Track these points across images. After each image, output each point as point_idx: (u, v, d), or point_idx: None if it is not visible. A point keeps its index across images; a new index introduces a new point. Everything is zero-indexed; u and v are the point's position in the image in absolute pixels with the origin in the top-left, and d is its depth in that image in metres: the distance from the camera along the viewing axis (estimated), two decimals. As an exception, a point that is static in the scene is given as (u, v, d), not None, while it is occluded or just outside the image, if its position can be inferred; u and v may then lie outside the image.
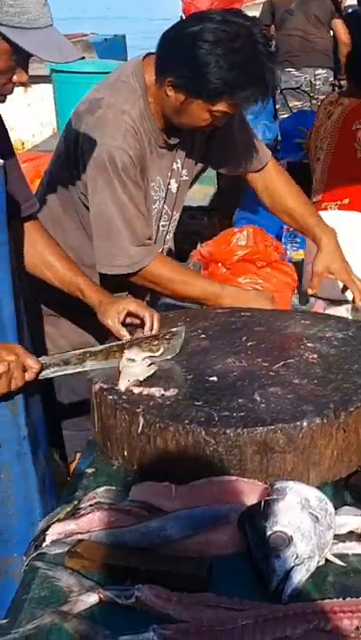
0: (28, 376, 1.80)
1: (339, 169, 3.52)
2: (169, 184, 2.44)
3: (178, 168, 2.46)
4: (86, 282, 2.13)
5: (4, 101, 1.76)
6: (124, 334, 2.01)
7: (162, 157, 2.38)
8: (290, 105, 6.89)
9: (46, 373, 1.85)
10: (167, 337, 1.96)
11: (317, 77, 6.88)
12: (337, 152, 3.54)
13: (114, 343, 1.96)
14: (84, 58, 1.87)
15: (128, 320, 2.06)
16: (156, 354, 1.92)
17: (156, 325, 2.03)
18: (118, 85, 2.29)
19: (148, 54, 2.31)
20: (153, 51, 2.28)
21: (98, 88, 2.35)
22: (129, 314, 2.04)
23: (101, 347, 1.94)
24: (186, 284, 2.37)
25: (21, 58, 1.67)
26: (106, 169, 2.22)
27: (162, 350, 1.94)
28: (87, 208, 2.33)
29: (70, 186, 2.36)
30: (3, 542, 1.92)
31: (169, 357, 1.94)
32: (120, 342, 1.96)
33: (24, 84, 1.74)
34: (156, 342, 1.95)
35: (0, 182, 1.80)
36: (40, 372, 1.82)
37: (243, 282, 2.52)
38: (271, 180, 2.62)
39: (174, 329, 1.99)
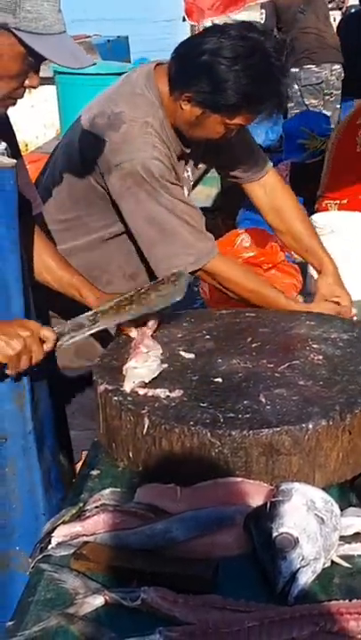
0: (47, 347, 1.82)
1: (340, 163, 3.54)
2: (185, 191, 2.44)
3: (188, 176, 2.48)
4: (83, 282, 2.14)
5: (14, 104, 1.77)
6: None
7: (179, 167, 2.38)
8: (306, 103, 6.89)
9: (63, 341, 1.86)
10: (172, 279, 1.98)
11: (333, 72, 6.91)
12: (340, 146, 3.55)
13: (122, 297, 1.97)
14: (95, 64, 1.84)
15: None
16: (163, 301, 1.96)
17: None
18: (136, 99, 2.28)
19: (158, 64, 2.32)
20: (161, 60, 2.30)
21: (113, 100, 2.29)
22: None
23: (111, 303, 1.95)
24: (258, 293, 2.34)
25: (35, 62, 1.68)
26: (144, 180, 2.20)
27: (170, 292, 1.96)
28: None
29: (90, 195, 2.34)
30: (6, 536, 1.93)
31: (178, 299, 1.96)
32: (128, 294, 1.97)
33: (33, 88, 1.75)
34: (162, 286, 1.97)
35: (13, 182, 1.81)
36: (57, 340, 1.84)
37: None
38: (275, 196, 2.59)
39: (176, 270, 2.03)
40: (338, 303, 2.43)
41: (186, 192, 2.44)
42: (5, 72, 1.66)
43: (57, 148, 2.46)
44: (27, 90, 1.74)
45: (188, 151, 2.40)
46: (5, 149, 1.87)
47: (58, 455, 2.13)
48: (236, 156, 2.54)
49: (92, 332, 1.92)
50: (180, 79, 2.20)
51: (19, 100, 1.78)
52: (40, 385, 2.01)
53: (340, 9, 10.12)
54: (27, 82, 1.71)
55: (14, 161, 1.84)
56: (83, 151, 2.30)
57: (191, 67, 2.16)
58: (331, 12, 7.74)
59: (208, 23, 11.10)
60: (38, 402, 1.97)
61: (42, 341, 1.81)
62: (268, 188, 2.59)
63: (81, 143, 2.31)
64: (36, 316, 2.00)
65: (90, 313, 1.93)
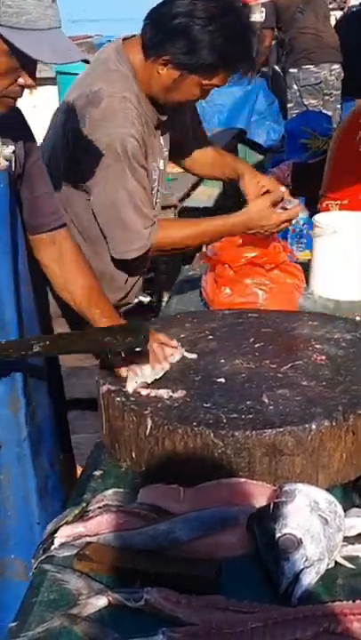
0: None
1: (341, 163, 3.53)
2: (159, 163, 2.50)
3: (162, 145, 2.52)
4: (101, 316, 2.02)
5: (14, 105, 1.76)
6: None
7: (155, 138, 2.44)
8: (305, 103, 6.89)
9: (3, 356, 1.80)
10: (130, 329, 1.85)
11: (332, 72, 6.90)
12: (341, 146, 3.55)
13: (75, 332, 1.98)
14: (88, 62, 1.83)
15: None
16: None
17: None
18: (111, 75, 2.32)
19: (125, 38, 2.37)
20: (128, 35, 2.36)
21: (89, 80, 2.33)
22: None
23: (63, 335, 1.97)
24: (195, 238, 2.49)
25: (27, 61, 1.65)
26: (119, 157, 2.24)
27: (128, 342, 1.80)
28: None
29: (68, 181, 2.35)
30: (1, 543, 1.91)
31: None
32: (79, 332, 1.97)
33: (31, 87, 1.72)
34: (123, 334, 1.81)
35: (3, 185, 1.80)
36: None
37: (250, 283, 2.51)
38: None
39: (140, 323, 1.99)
40: (267, 192, 2.57)
41: (161, 162, 2.51)
42: None
43: (44, 140, 2.46)
44: (26, 90, 1.71)
45: (164, 119, 2.44)
46: (13, 152, 1.85)
47: (57, 462, 2.09)
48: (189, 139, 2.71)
49: (34, 355, 1.86)
50: (155, 44, 2.23)
51: (21, 101, 1.76)
52: (39, 390, 1.99)
53: (341, 9, 10.11)
54: (21, 80, 1.69)
55: (7, 163, 1.82)
56: (66, 135, 2.32)
57: (166, 30, 2.19)
58: (332, 12, 7.74)
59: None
60: (36, 408, 1.95)
61: None
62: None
63: (64, 128, 2.33)
64: (36, 316, 1.99)
65: (39, 338, 1.88)
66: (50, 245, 2.03)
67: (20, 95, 1.74)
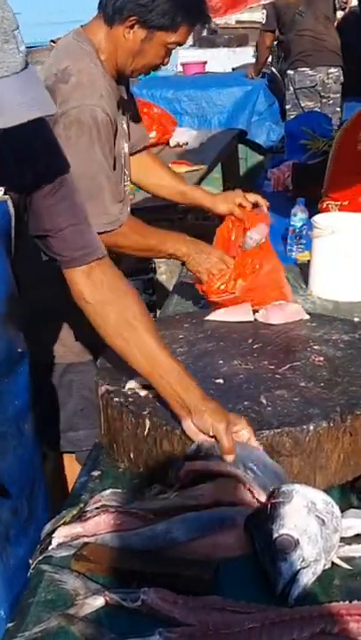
0: None
1: (342, 163, 3.53)
2: (124, 146, 2.53)
3: (125, 128, 2.55)
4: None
5: None
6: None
7: (120, 120, 2.46)
8: (302, 105, 6.89)
9: None
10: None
11: (330, 76, 6.90)
12: (342, 147, 3.55)
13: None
14: (53, 114, 1.56)
15: None
16: None
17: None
18: (76, 52, 2.36)
19: (81, 25, 2.45)
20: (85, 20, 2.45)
21: (55, 62, 2.37)
22: None
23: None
24: (147, 236, 2.47)
25: None
26: (90, 128, 2.27)
27: None
28: None
29: None
30: None
31: None
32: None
33: None
34: None
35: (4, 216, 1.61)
36: None
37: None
38: (146, 160, 2.81)
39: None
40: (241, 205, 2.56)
41: (126, 146, 2.54)
42: None
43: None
44: None
45: (125, 98, 2.49)
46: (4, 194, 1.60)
47: (23, 505, 1.79)
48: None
49: None
50: (120, 7, 2.31)
51: None
52: (3, 437, 1.72)
53: (342, 9, 10.12)
54: None
55: (6, 197, 1.60)
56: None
57: None
58: (335, 13, 7.72)
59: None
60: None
61: None
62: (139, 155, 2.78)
63: None
64: (29, 317, 1.87)
65: None
66: (87, 279, 1.77)
67: None
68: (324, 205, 3.46)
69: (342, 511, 1.48)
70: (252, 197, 2.59)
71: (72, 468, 2.60)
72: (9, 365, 1.72)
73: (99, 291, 1.76)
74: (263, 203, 2.58)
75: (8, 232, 1.64)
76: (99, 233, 2.03)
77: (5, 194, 1.60)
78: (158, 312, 3.68)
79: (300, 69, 6.90)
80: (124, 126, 2.53)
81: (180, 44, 2.43)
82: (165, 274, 4.51)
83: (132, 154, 2.67)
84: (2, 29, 1.31)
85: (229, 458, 1.57)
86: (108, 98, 2.33)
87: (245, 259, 2.38)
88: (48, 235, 1.73)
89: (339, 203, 3.41)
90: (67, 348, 2.56)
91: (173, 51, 2.46)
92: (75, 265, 1.76)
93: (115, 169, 2.41)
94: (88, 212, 1.95)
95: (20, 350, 1.77)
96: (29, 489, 1.82)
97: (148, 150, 2.86)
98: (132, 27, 2.32)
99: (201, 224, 6.92)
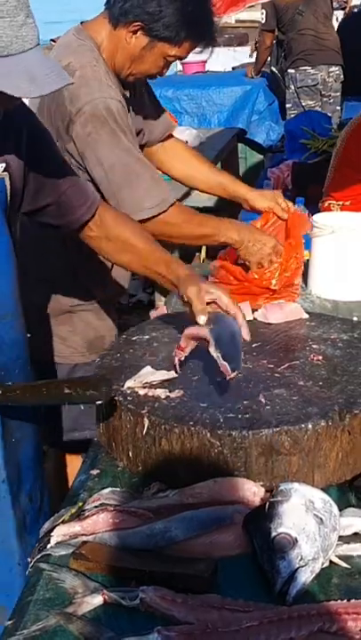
0: None
1: (347, 163, 3.51)
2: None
3: (130, 125, 2.53)
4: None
5: None
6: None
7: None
8: (303, 104, 6.90)
9: None
10: (92, 382, 1.75)
11: (330, 74, 6.90)
12: (347, 147, 3.52)
13: (33, 384, 1.79)
14: (72, 83, 1.75)
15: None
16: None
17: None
18: (78, 49, 2.36)
19: (82, 22, 2.46)
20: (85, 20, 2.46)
21: (56, 58, 2.32)
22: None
23: (19, 385, 1.77)
24: (200, 224, 2.43)
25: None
26: (106, 120, 2.26)
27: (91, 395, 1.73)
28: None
29: None
30: None
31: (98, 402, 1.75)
32: (37, 383, 1.78)
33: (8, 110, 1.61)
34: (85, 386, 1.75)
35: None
36: None
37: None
38: (177, 149, 2.80)
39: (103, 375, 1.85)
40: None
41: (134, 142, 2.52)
42: None
43: None
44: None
45: (127, 95, 2.48)
46: (5, 170, 1.74)
47: (37, 493, 1.95)
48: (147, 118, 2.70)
49: None
50: (126, 10, 2.30)
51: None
52: (21, 426, 1.86)
53: (342, 9, 10.14)
54: None
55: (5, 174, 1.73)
56: (46, 120, 2.29)
57: (149, 3, 2.28)
58: (334, 12, 7.74)
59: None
60: (17, 444, 1.84)
61: None
62: (168, 143, 2.78)
63: (41, 113, 2.30)
64: (36, 317, 1.94)
65: None
66: (94, 229, 2.00)
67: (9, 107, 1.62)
68: (326, 204, 3.45)
69: (340, 510, 1.48)
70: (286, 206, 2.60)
71: (74, 466, 2.60)
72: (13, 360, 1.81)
73: (112, 233, 1.99)
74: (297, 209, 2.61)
75: (5, 207, 1.74)
76: (147, 219, 2.23)
77: (5, 171, 1.72)
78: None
79: (301, 68, 6.91)
80: (129, 120, 2.51)
81: (180, 59, 2.46)
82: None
83: (159, 141, 2.70)
84: (24, 4, 1.45)
85: (201, 319, 1.78)
86: (115, 90, 2.33)
87: (291, 252, 2.38)
88: (52, 203, 1.86)
89: (341, 202, 3.41)
90: (73, 348, 2.57)
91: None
92: (86, 219, 1.94)
93: None
94: (132, 200, 2.22)
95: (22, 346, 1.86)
96: (40, 479, 1.95)
97: (177, 139, 2.84)
98: (135, 32, 2.31)
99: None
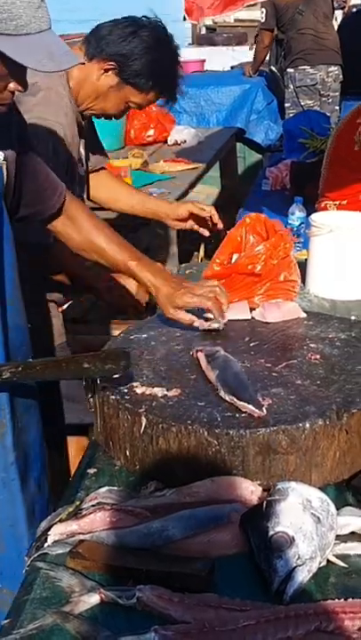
0: None
1: (339, 162, 3.52)
2: (80, 170, 2.61)
3: (82, 152, 2.62)
4: (137, 266, 2.06)
5: (5, 110, 1.72)
6: (190, 319, 2.04)
7: (78, 142, 2.54)
8: (302, 103, 6.90)
9: None
10: (112, 356, 1.78)
11: (330, 74, 6.90)
12: (338, 146, 3.53)
13: (53, 359, 1.85)
14: (84, 63, 1.83)
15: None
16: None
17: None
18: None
19: None
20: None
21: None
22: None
23: (39, 362, 1.80)
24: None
25: (16, 68, 1.58)
26: (46, 143, 2.33)
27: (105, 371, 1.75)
28: None
29: None
30: None
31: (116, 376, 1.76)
32: (57, 359, 1.84)
33: (20, 92, 1.67)
34: (103, 360, 1.76)
35: None
36: None
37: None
38: (103, 179, 2.93)
39: (123, 349, 1.86)
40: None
41: (81, 169, 2.62)
42: None
43: None
44: (15, 93, 1.67)
45: (83, 124, 2.57)
46: (5, 159, 1.80)
47: (44, 484, 2.03)
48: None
49: (5, 380, 1.77)
50: (103, 48, 2.44)
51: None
52: (28, 412, 1.93)
53: (341, 8, 10.13)
54: (11, 86, 1.64)
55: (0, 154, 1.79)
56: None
57: (120, 38, 2.43)
58: (333, 12, 7.73)
59: (208, 22, 11.13)
60: (23, 430, 1.89)
61: None
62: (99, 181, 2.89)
63: None
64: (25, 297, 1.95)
65: (12, 364, 1.78)
66: (60, 216, 2.05)
67: (10, 100, 1.70)
68: (323, 205, 3.45)
69: (338, 509, 1.48)
70: (209, 209, 2.71)
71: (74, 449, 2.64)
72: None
73: (61, 218, 2.04)
74: (216, 220, 2.75)
75: (2, 194, 1.80)
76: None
77: (5, 160, 1.80)
78: (157, 310, 3.68)
79: (300, 68, 6.91)
80: (82, 150, 2.60)
81: (139, 107, 2.58)
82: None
83: (91, 171, 2.79)
84: None
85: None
86: (71, 119, 2.42)
87: (279, 241, 2.37)
88: (29, 192, 1.93)
89: (337, 202, 3.41)
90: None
91: None
92: (57, 208, 2.00)
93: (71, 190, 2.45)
94: None
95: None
96: (45, 471, 2.00)
97: (105, 170, 2.95)
98: (107, 70, 2.44)
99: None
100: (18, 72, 1.61)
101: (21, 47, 1.53)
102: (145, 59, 2.42)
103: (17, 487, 1.87)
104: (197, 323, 2.04)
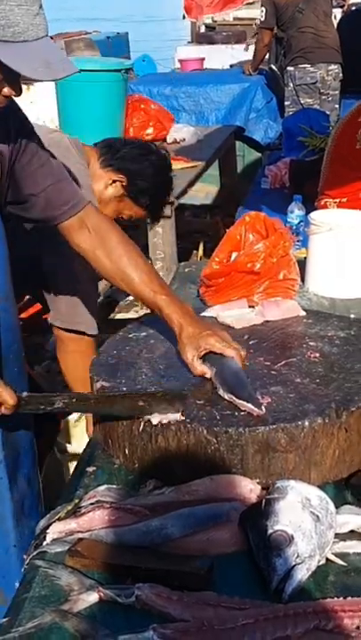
0: (2, 410, 1.66)
1: (340, 160, 3.52)
2: None
3: None
4: (166, 301, 1.91)
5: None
6: (203, 371, 1.83)
7: None
8: (301, 102, 6.89)
9: (25, 409, 1.70)
10: (168, 398, 1.70)
11: (329, 73, 6.89)
12: (339, 143, 3.53)
13: (108, 394, 1.78)
14: (80, 71, 1.77)
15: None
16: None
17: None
18: (71, 152, 2.62)
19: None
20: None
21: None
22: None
23: (95, 395, 1.80)
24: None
25: (10, 73, 1.57)
26: None
27: (160, 410, 1.69)
28: None
29: None
30: None
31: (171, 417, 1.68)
32: (113, 394, 1.77)
33: (15, 97, 1.66)
34: (160, 402, 1.70)
35: None
36: (18, 407, 1.66)
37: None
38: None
39: (180, 391, 1.76)
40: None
41: None
42: None
43: None
44: (23, 86, 1.67)
45: None
46: None
47: (35, 478, 2.01)
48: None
49: (55, 411, 1.73)
50: (116, 161, 2.70)
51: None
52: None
53: (341, 7, 10.13)
54: (5, 90, 1.62)
55: None
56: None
57: (132, 160, 2.71)
58: (332, 10, 7.72)
59: (207, 20, 11.12)
60: (13, 428, 1.86)
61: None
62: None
63: None
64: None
65: (65, 395, 1.74)
66: (79, 229, 1.97)
67: (5, 104, 1.68)
68: (322, 203, 3.45)
69: (337, 507, 1.48)
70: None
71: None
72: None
73: (90, 237, 1.97)
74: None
75: None
76: None
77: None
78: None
79: (300, 66, 6.90)
80: None
81: (130, 218, 2.78)
82: (162, 270, 4.51)
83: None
84: None
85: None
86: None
87: (278, 239, 2.37)
88: (32, 196, 1.91)
89: (337, 200, 3.41)
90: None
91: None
92: (66, 218, 1.96)
93: None
94: None
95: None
96: (36, 464, 2.00)
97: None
98: (115, 181, 2.68)
99: (201, 220, 6.92)
100: (12, 77, 1.60)
101: (18, 54, 1.52)
102: (151, 180, 2.70)
103: (5, 485, 1.86)
104: (209, 374, 1.81)
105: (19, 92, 1.65)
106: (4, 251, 1.82)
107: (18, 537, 1.86)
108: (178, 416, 1.64)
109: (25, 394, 1.70)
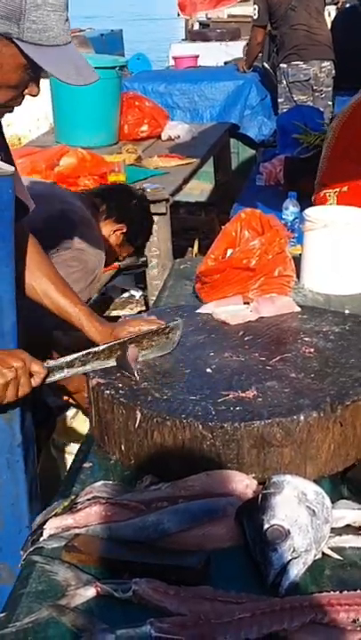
0: (35, 382, 1.73)
1: (342, 148, 3.48)
2: None
3: None
4: (85, 312, 2.00)
5: (11, 111, 1.72)
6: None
7: None
8: (295, 99, 6.89)
9: (51, 378, 1.79)
10: (166, 332, 1.94)
11: (323, 70, 6.90)
12: (343, 131, 3.48)
13: (115, 342, 1.89)
14: (99, 78, 1.75)
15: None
16: (154, 350, 1.93)
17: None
18: (85, 213, 3.02)
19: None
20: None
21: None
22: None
23: (103, 346, 1.87)
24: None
25: (35, 73, 1.62)
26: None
27: (161, 345, 1.93)
28: None
29: None
30: None
31: (169, 351, 1.94)
32: (121, 340, 1.89)
33: (33, 96, 1.69)
34: (155, 338, 1.93)
35: (11, 190, 1.76)
36: (46, 377, 1.76)
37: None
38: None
39: (172, 323, 1.97)
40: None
41: None
42: (4, 82, 1.59)
43: None
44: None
45: None
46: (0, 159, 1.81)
47: (37, 466, 2.10)
48: None
49: (81, 372, 1.84)
50: (119, 215, 3.12)
51: None
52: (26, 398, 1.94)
53: (335, 4, 10.13)
54: (26, 90, 1.66)
55: (12, 168, 1.78)
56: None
57: (126, 207, 3.15)
58: (326, 8, 7.73)
59: (201, 17, 11.11)
60: (25, 413, 1.93)
61: (30, 375, 1.72)
62: None
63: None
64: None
65: (81, 354, 1.83)
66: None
67: (21, 104, 1.71)
68: (322, 194, 3.42)
69: (333, 501, 1.49)
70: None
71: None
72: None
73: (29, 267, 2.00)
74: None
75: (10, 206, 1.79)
76: None
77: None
78: (150, 305, 3.69)
79: (293, 63, 6.90)
80: None
81: (118, 261, 3.25)
82: (157, 267, 4.51)
83: None
84: (67, 2, 1.60)
85: None
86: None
87: (274, 236, 2.37)
88: None
89: (337, 190, 3.38)
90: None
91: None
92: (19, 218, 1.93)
93: None
94: None
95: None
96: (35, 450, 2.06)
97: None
98: (117, 230, 3.09)
99: (196, 217, 6.92)
100: (36, 79, 1.65)
101: (51, 58, 1.56)
102: (143, 223, 3.15)
103: (21, 468, 1.93)
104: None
105: (37, 93, 1.68)
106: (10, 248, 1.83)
107: (31, 518, 1.90)
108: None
109: (50, 362, 1.79)
